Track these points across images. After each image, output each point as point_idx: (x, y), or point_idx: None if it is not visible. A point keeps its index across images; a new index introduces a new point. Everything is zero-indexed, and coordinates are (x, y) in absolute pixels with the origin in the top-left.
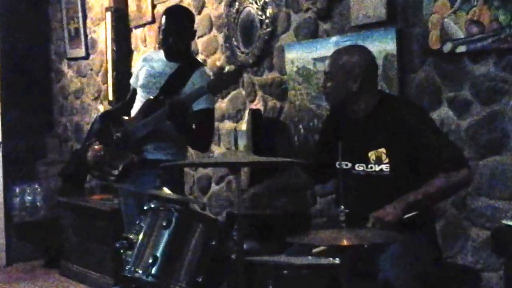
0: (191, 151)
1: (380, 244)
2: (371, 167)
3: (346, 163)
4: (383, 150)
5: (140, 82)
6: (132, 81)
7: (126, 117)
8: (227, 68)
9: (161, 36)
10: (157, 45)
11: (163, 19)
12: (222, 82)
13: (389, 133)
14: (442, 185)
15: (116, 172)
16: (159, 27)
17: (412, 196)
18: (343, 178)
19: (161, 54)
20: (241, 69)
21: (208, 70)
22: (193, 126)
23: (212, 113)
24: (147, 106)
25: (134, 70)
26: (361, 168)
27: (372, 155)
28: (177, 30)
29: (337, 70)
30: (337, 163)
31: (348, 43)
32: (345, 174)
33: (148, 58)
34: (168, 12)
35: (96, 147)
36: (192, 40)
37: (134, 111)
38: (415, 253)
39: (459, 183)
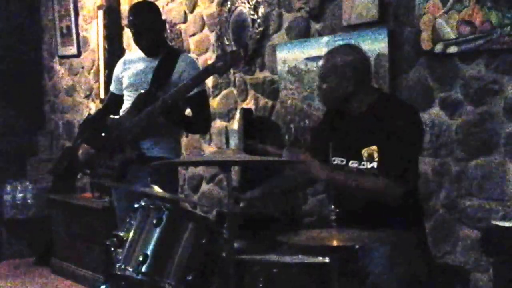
0: (182, 149)
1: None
2: (364, 165)
3: (341, 159)
4: (375, 148)
5: (126, 83)
6: (112, 86)
7: (116, 116)
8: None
9: (132, 36)
10: None
11: (130, 18)
12: (226, 62)
13: (380, 132)
14: (374, 188)
15: (113, 172)
16: (127, 26)
17: (346, 176)
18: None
19: (139, 53)
20: (245, 48)
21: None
22: (188, 111)
23: (205, 94)
24: (140, 101)
25: (114, 74)
26: (355, 165)
27: (364, 152)
28: (144, 27)
29: (330, 72)
30: (332, 159)
31: (339, 43)
32: (339, 169)
33: (128, 61)
34: (132, 10)
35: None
36: (164, 31)
37: (122, 112)
38: (404, 253)
39: (386, 196)
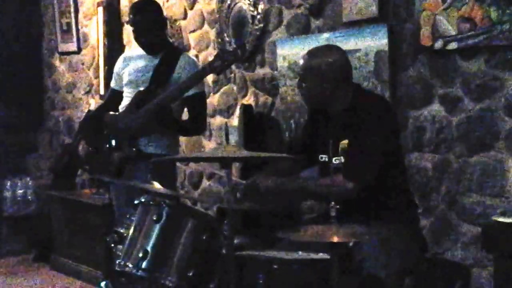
0: (182, 146)
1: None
2: (342, 160)
3: (325, 156)
4: (346, 142)
5: (126, 80)
6: (113, 82)
7: (115, 113)
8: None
9: (133, 34)
10: None
11: (130, 16)
12: (224, 62)
13: (351, 127)
14: (320, 188)
15: (111, 168)
16: (128, 23)
17: (289, 183)
18: (324, 171)
19: (139, 50)
20: (243, 46)
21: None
22: (185, 110)
23: (203, 96)
24: (139, 99)
25: (114, 71)
26: (337, 162)
27: (340, 147)
28: (145, 26)
29: (310, 73)
30: (319, 157)
31: (339, 39)
32: (325, 167)
33: (128, 58)
34: (133, 8)
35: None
36: (165, 29)
37: (121, 109)
38: (398, 245)
39: (335, 193)
